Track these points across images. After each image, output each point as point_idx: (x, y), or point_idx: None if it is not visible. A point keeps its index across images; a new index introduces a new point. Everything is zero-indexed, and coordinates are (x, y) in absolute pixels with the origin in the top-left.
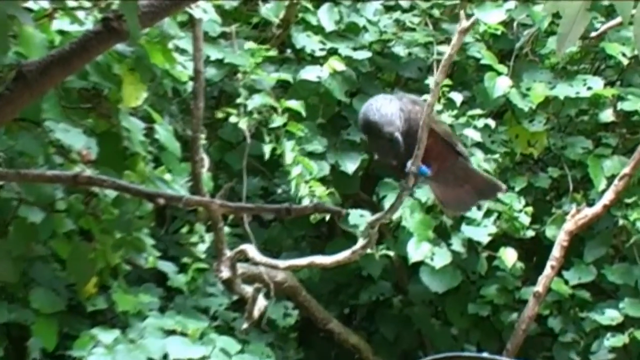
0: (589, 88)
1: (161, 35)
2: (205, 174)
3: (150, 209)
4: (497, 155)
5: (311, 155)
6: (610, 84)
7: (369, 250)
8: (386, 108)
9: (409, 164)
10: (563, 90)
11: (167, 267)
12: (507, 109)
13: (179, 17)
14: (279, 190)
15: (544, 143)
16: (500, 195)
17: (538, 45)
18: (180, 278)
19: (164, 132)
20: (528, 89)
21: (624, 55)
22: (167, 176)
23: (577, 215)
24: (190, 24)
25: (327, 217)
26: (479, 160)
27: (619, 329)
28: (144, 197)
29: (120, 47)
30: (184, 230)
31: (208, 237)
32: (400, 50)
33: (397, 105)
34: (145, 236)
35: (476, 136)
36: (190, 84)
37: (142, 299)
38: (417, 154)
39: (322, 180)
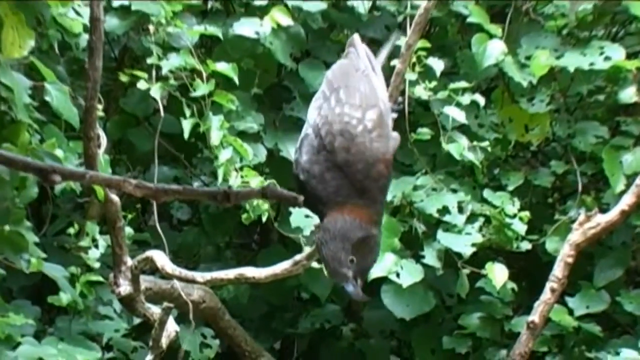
0: (607, 58)
1: None
2: (101, 156)
3: (33, 195)
4: (485, 143)
5: (244, 135)
6: (633, 54)
7: (315, 263)
8: (335, 246)
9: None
10: (573, 60)
11: (56, 270)
12: (500, 83)
13: None
14: (196, 184)
15: (546, 129)
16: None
17: (541, 2)
18: (64, 294)
19: (57, 93)
20: (527, 58)
21: None
22: (59, 152)
23: (586, 224)
24: None
25: (264, 218)
26: (461, 149)
27: None
28: (33, 173)
29: None
30: (71, 231)
31: (102, 241)
32: (362, 2)
33: (350, 245)
34: (27, 231)
35: (460, 116)
36: (85, 37)
37: (13, 321)
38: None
39: (257, 168)
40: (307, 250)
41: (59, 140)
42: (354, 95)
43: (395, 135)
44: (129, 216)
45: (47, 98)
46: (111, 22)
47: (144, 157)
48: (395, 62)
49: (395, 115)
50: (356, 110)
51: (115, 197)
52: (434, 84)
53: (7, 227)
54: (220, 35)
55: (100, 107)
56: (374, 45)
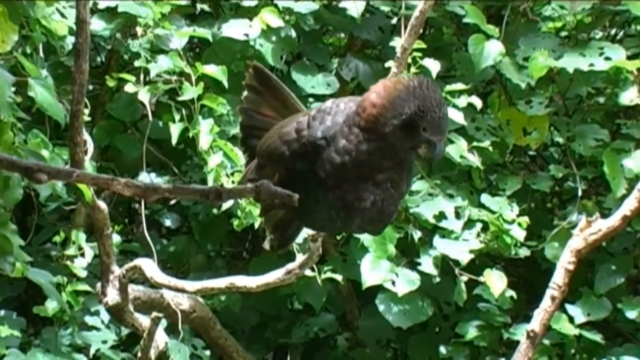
0: (607, 59)
1: None
2: (88, 162)
3: (18, 197)
4: (485, 144)
5: (235, 140)
6: (633, 56)
7: (308, 271)
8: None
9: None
10: (572, 61)
11: (42, 276)
12: (498, 86)
13: None
14: None
15: (544, 132)
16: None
17: (538, 4)
18: (50, 303)
19: (41, 89)
20: (525, 59)
21: None
22: (45, 153)
23: (587, 230)
24: None
25: (257, 224)
26: (461, 151)
27: None
28: (19, 171)
29: None
30: (56, 239)
31: (89, 250)
32: (354, 2)
33: None
34: (12, 234)
35: (458, 117)
36: (70, 39)
37: None
38: None
39: None
40: (299, 258)
41: (44, 144)
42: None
43: None
44: (117, 227)
45: (31, 94)
46: (97, 25)
47: (132, 164)
48: (390, 64)
49: None
50: None
51: (102, 204)
52: None
53: None
54: (210, 37)
55: (86, 111)
56: (368, 48)
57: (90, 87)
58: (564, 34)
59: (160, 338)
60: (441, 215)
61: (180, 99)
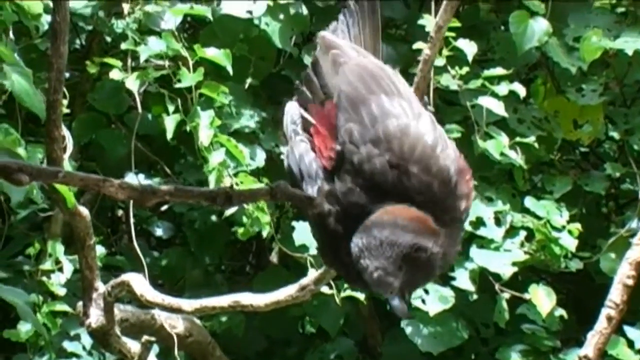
0: None
1: None
2: (67, 161)
3: None
4: (529, 139)
5: (237, 135)
6: None
7: (324, 288)
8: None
9: None
10: (631, 41)
11: (16, 294)
12: (543, 71)
13: None
14: None
15: (599, 125)
16: None
17: None
18: (24, 326)
19: (19, 77)
20: (576, 40)
21: None
22: (21, 151)
23: None
24: None
25: (265, 233)
26: (501, 147)
27: None
28: None
29: None
30: (30, 251)
31: (69, 264)
32: None
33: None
34: None
35: (498, 108)
36: (46, 19)
37: None
38: None
39: (255, 174)
40: (313, 272)
41: (18, 141)
42: None
43: None
44: (97, 239)
45: (5, 83)
46: (76, 2)
47: (117, 164)
48: (419, 46)
49: None
50: None
51: (84, 210)
52: (465, 70)
53: None
54: (210, 16)
55: (65, 102)
56: (392, 28)
57: (68, 75)
58: (620, 9)
59: None
60: (479, 222)
61: (176, 86)
